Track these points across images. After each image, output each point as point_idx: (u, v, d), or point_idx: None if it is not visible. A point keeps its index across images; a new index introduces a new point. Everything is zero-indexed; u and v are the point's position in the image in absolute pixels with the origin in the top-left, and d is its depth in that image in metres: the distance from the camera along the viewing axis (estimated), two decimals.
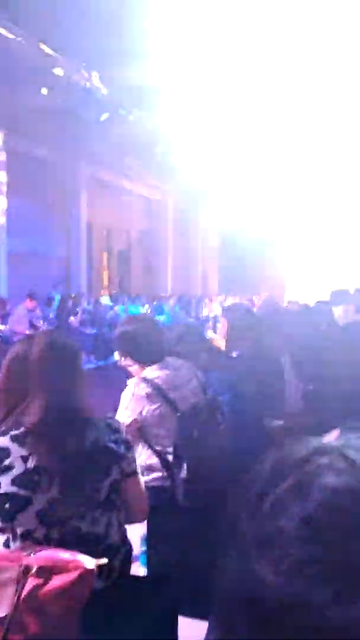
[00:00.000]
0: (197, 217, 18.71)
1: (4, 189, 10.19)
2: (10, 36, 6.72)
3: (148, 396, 2.24)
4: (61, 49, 7.66)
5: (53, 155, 11.68)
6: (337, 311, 4.66)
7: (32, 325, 8.87)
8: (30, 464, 1.39)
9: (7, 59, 7.22)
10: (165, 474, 2.23)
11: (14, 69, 7.64)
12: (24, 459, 1.39)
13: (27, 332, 8.58)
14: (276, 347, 3.58)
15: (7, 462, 1.39)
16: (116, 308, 11.55)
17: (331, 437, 1.52)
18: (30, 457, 1.39)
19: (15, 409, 1.46)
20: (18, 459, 1.39)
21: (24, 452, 1.40)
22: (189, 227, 18.67)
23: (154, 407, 2.23)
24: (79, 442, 1.45)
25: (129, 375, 2.45)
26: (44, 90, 7.79)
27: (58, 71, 7.68)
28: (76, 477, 1.43)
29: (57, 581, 1.14)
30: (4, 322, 8.87)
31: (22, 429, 1.42)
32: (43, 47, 7.23)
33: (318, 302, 5.74)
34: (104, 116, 8.72)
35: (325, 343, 3.66)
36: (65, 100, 8.42)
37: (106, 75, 8.43)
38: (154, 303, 13.29)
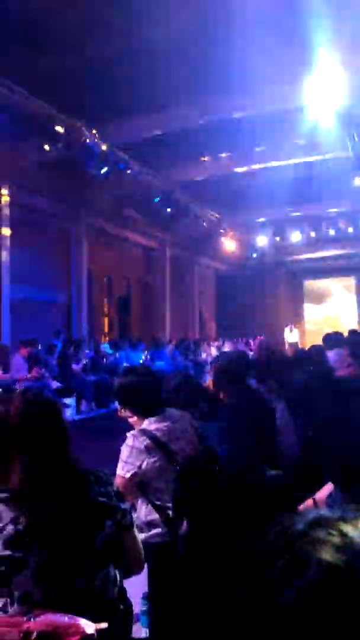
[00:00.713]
0: (194, 263, 19.05)
1: (8, 239, 10.45)
2: (14, 95, 7.06)
3: (147, 449, 2.23)
4: (62, 107, 8.05)
5: (55, 207, 12.04)
6: (332, 355, 4.68)
7: (33, 371, 8.88)
8: (20, 525, 1.37)
9: (11, 116, 7.57)
10: (165, 529, 2.21)
11: (17, 126, 8.00)
12: (14, 521, 1.38)
13: (28, 376, 8.63)
14: (271, 392, 3.59)
15: None
16: (116, 354, 11.57)
17: (324, 492, 1.55)
18: (20, 518, 1.38)
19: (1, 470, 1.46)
20: (8, 522, 1.38)
21: (13, 514, 1.39)
22: (187, 273, 18.96)
23: (153, 459, 2.22)
24: (64, 500, 1.43)
25: (130, 424, 2.46)
26: (46, 146, 8.10)
27: (59, 128, 8.02)
28: (67, 535, 1.41)
29: None
30: (5, 370, 8.88)
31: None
32: (45, 105, 7.60)
33: (312, 346, 5.78)
34: (104, 170, 9.03)
35: (320, 389, 3.67)
36: (66, 155, 8.76)
37: (105, 131, 8.82)
38: (154, 348, 13.34)
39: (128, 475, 2.20)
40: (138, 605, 1.87)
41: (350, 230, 15.93)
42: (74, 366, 10.06)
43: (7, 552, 1.37)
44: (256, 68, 7.14)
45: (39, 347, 9.29)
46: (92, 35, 6.84)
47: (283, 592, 0.50)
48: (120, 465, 2.24)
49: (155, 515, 2.24)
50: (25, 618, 1.19)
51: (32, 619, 1.18)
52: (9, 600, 1.37)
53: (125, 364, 10.93)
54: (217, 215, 14.25)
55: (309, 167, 11.12)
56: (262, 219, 16.00)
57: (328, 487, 1.66)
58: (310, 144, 9.71)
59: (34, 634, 1.14)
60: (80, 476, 1.52)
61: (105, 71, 7.97)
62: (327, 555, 0.50)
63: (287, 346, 16.45)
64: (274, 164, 11.09)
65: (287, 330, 18.09)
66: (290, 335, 17.56)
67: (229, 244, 15.92)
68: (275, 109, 8.27)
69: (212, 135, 9.98)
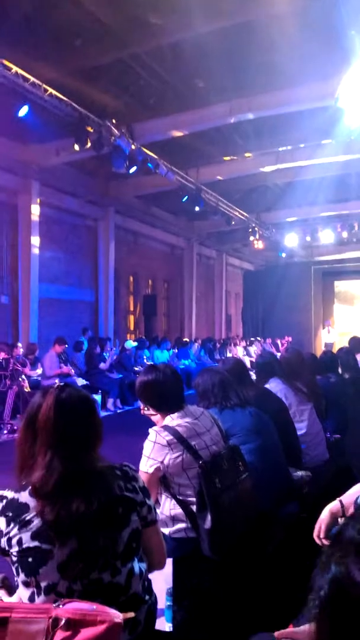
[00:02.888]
0: (222, 262, 18.99)
1: (38, 239, 10.64)
2: (44, 95, 7.17)
3: (169, 444, 2.23)
4: (92, 107, 8.13)
5: (83, 206, 12.19)
6: None
7: (64, 368, 9.07)
8: (47, 517, 1.39)
9: (41, 117, 7.70)
10: (189, 524, 2.22)
11: (47, 127, 8.12)
12: (41, 513, 1.39)
13: (59, 371, 8.80)
14: (300, 393, 3.58)
15: (27, 517, 1.40)
16: (141, 352, 11.65)
17: (352, 493, 1.53)
18: (45, 510, 1.39)
19: (29, 463, 1.47)
20: (36, 514, 1.40)
21: (40, 507, 1.40)
22: (214, 272, 18.93)
23: (175, 455, 2.22)
24: (90, 495, 1.43)
25: (153, 421, 2.46)
26: (76, 146, 8.19)
27: (89, 129, 8.10)
28: (92, 529, 1.42)
29: (85, 634, 1.13)
30: (34, 367, 9.05)
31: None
32: (75, 105, 7.68)
33: (341, 348, 5.70)
34: (133, 169, 9.08)
35: (349, 392, 3.62)
36: (96, 155, 8.85)
37: (134, 131, 8.88)
38: (180, 347, 13.37)
39: (151, 470, 2.21)
40: (163, 600, 1.88)
41: None
42: (101, 365, 10.18)
43: (35, 543, 1.38)
44: (289, 66, 7.08)
45: (67, 345, 9.45)
46: (126, 34, 6.88)
47: (356, 584, 0.62)
48: (143, 460, 2.25)
49: (179, 510, 2.24)
50: (53, 605, 1.21)
51: (60, 606, 1.20)
52: (35, 590, 1.39)
53: (149, 362, 11.00)
54: (245, 214, 14.16)
55: (342, 166, 10.95)
56: (292, 218, 15.81)
57: (356, 488, 1.64)
58: (344, 143, 9.58)
59: (62, 621, 1.16)
60: (106, 470, 1.52)
61: (137, 71, 8.04)
62: None
63: (323, 346, 16.24)
64: (304, 163, 10.97)
65: (324, 331, 17.78)
66: (328, 336, 17.24)
67: (257, 243, 15.80)
68: (310, 107, 8.18)
69: (242, 133, 9.95)
